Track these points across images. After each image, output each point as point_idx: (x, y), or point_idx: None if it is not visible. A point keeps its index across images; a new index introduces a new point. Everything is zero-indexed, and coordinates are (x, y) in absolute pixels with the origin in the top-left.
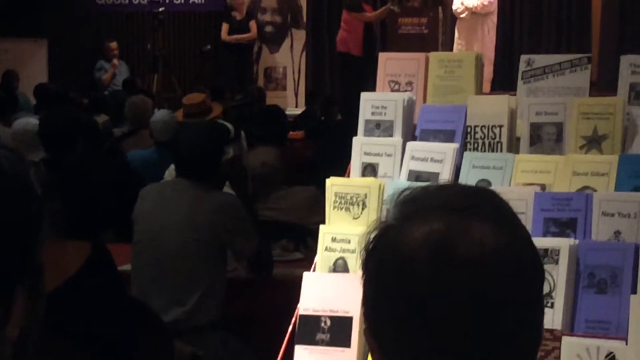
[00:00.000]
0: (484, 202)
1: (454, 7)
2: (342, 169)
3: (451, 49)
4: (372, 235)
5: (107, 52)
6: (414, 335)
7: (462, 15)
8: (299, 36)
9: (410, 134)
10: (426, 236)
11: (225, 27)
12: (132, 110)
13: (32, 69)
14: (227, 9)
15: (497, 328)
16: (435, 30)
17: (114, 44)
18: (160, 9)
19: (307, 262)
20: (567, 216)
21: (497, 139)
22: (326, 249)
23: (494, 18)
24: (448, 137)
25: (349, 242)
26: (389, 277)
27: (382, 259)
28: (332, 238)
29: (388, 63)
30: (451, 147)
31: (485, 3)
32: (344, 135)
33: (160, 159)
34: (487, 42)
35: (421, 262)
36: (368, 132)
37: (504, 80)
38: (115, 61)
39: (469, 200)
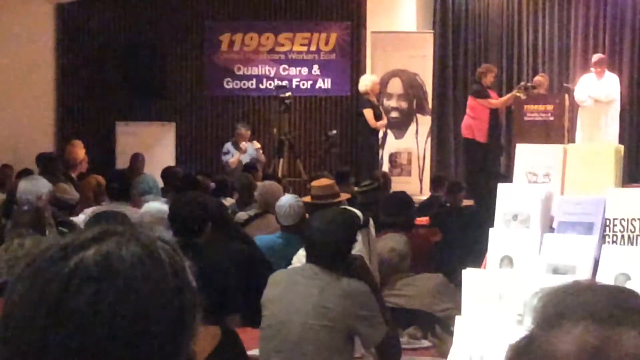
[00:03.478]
0: (630, 306)
1: (577, 97)
2: (474, 258)
3: (574, 137)
4: (517, 345)
5: (238, 138)
6: None
7: (585, 104)
8: (424, 121)
9: (547, 226)
10: (578, 351)
11: (370, 112)
12: (263, 195)
13: (160, 151)
14: (364, 94)
15: None
16: (562, 118)
17: (246, 131)
18: (287, 94)
19: (435, 350)
20: None
21: (636, 232)
22: (463, 340)
23: (617, 106)
24: (586, 229)
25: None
26: None
27: None
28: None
29: (525, 154)
30: (589, 240)
31: (612, 94)
32: (472, 222)
33: (286, 243)
34: (610, 130)
35: None
36: (505, 224)
37: (635, 170)
38: (243, 144)
39: (615, 305)
